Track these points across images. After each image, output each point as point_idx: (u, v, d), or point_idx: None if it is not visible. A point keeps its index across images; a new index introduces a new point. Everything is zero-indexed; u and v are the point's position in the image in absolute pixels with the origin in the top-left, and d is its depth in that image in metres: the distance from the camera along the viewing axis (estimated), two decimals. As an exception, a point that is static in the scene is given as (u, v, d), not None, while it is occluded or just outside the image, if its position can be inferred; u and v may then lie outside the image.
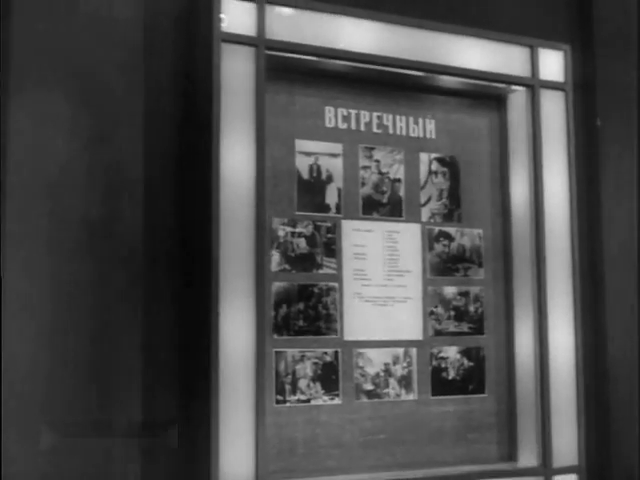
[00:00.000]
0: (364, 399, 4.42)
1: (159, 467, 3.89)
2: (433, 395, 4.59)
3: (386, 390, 4.45)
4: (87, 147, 3.74)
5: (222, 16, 3.95)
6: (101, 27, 3.82)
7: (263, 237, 3.97)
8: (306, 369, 4.28)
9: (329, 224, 4.38)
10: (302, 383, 4.27)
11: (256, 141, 4.02)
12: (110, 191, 3.78)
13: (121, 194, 3.80)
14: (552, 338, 4.56)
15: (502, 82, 4.68)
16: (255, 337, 3.96)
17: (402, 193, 4.60)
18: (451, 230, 4.69)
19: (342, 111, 4.52)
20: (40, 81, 3.66)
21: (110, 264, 3.75)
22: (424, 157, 4.69)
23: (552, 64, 4.76)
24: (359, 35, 4.35)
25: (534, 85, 4.73)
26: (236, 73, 4.01)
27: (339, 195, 4.43)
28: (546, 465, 4.51)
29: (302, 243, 4.31)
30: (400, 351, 4.51)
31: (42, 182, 3.62)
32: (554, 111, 4.76)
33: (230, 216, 3.93)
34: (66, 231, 3.68)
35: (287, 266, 4.27)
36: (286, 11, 4.17)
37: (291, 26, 4.18)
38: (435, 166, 4.69)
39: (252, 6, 4.12)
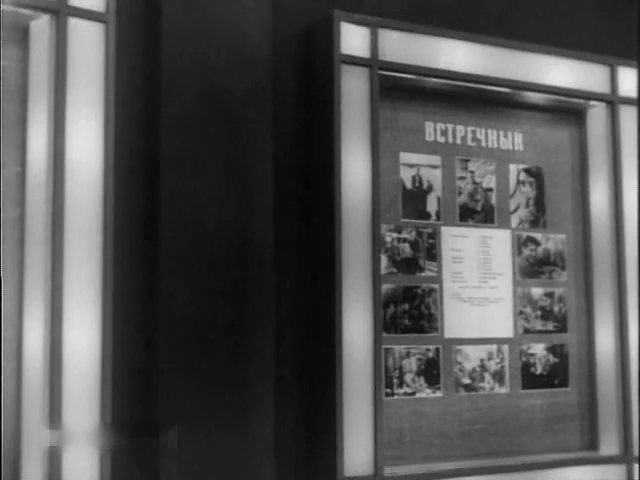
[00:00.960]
0: (462, 392, 4.75)
1: (288, 454, 4.20)
2: (523, 389, 4.90)
3: (481, 384, 4.78)
4: (224, 162, 4.05)
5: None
6: (231, 51, 4.24)
7: (379, 243, 4.31)
8: (411, 364, 4.62)
9: (430, 230, 4.72)
10: (408, 377, 4.60)
11: (371, 155, 4.35)
12: (243, 204, 4.10)
13: (253, 206, 4.12)
14: (631, 335, 4.87)
15: (583, 98, 4.99)
16: (372, 334, 4.27)
17: (494, 201, 4.93)
18: (537, 235, 5.02)
19: (440, 126, 4.85)
20: (181, 99, 3.98)
21: (245, 270, 4.09)
22: (513, 168, 5.01)
23: (629, 81, 5.05)
24: (456, 55, 4.69)
25: (614, 101, 5.05)
26: (353, 92, 4.34)
27: (438, 203, 4.77)
28: (627, 453, 4.84)
29: (406, 248, 4.65)
30: (494, 348, 4.84)
31: (189, 195, 3.92)
32: (630, 125, 5.05)
33: (349, 224, 4.25)
34: (210, 243, 4.00)
35: (394, 269, 4.60)
36: (395, 34, 4.46)
37: (399, 48, 4.51)
38: (523, 176, 5.03)
39: (366, 30, 4.41)
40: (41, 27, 3.74)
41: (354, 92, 4.36)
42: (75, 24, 3.73)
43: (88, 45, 3.74)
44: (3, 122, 3.61)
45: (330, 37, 4.35)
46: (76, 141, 3.69)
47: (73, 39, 3.70)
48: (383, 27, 4.47)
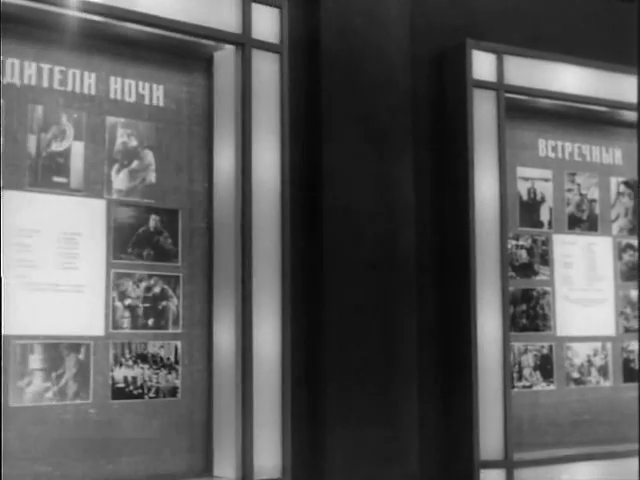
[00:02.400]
0: (572, 385, 5.17)
1: (430, 441, 4.62)
2: (624, 382, 5.32)
3: (589, 378, 5.20)
4: (373, 177, 4.48)
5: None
6: (377, 76, 4.66)
7: (506, 248, 4.72)
8: (528, 360, 5.04)
9: (543, 238, 5.13)
10: (526, 372, 5.02)
11: (499, 170, 4.77)
12: (389, 215, 4.53)
13: (398, 217, 4.55)
14: None
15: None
16: (502, 332, 4.69)
17: (597, 211, 5.34)
18: (636, 242, 5.43)
19: (551, 143, 5.26)
20: (338, 121, 4.41)
21: (389, 272, 4.51)
22: (613, 181, 5.42)
23: None
24: (566, 78, 5.09)
25: None
26: (482, 113, 4.76)
27: (550, 213, 5.19)
28: None
29: (523, 254, 5.07)
30: (599, 345, 5.26)
31: (346, 206, 4.35)
32: None
33: (481, 232, 4.67)
34: (364, 250, 4.43)
35: (512, 273, 5.01)
36: (517, 60, 4.89)
37: (519, 72, 4.94)
38: (622, 188, 5.44)
39: (493, 56, 4.83)
40: (225, 57, 4.09)
41: (483, 113, 4.75)
42: (256, 54, 4.10)
43: (266, 73, 4.12)
44: (192, 143, 4.14)
45: (462, 63, 4.73)
46: (260, 159, 4.02)
47: (254, 68, 4.02)
48: (508, 54, 4.82)
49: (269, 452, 3.95)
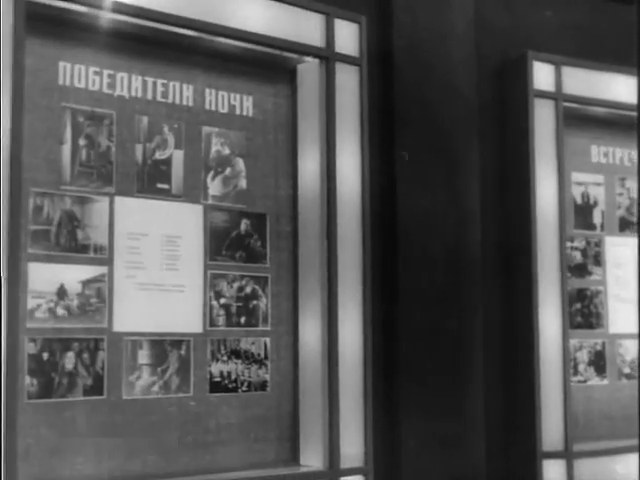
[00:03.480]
0: (624, 380, 5.38)
1: (495, 432, 4.84)
2: (670, 376, 5.53)
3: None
4: (443, 180, 4.71)
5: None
6: (444, 87, 4.90)
7: (564, 249, 4.99)
8: (583, 356, 5.25)
9: (596, 240, 5.35)
10: (581, 367, 5.23)
11: (558, 176, 4.99)
12: (458, 216, 4.76)
13: (465, 218, 4.77)
14: None
15: None
16: (561, 328, 4.91)
17: (644, 214, 5.56)
18: (682, 244, 5.64)
19: (603, 149, 5.48)
20: (410, 129, 4.65)
21: (458, 273, 4.74)
22: (660, 183, 5.64)
23: None
24: (618, 87, 5.31)
25: None
26: (542, 121, 4.98)
27: (602, 216, 5.40)
28: None
29: (578, 255, 5.29)
30: (647, 341, 5.47)
31: (419, 208, 4.58)
32: None
33: (542, 233, 4.89)
34: (436, 248, 4.66)
35: (568, 274, 5.23)
36: (574, 70, 5.11)
37: (575, 82, 5.16)
38: (669, 192, 5.65)
39: (552, 67, 5.05)
40: (308, 69, 4.31)
41: (543, 121, 4.97)
42: (337, 67, 4.36)
43: (347, 85, 4.34)
44: (278, 151, 4.38)
45: (524, 74, 4.95)
46: (342, 166, 4.24)
47: (337, 80, 4.24)
48: (566, 64, 5.05)
49: (353, 441, 4.15)
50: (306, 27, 4.21)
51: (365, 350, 4.19)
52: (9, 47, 3.28)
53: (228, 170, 4.04)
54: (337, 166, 4.20)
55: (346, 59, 4.28)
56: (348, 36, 4.33)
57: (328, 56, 4.20)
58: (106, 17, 3.63)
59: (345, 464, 4.08)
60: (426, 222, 4.55)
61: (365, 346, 4.19)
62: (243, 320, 4.02)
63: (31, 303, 3.35)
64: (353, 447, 4.13)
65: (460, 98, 4.77)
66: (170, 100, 3.92)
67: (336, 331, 4.07)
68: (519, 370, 4.84)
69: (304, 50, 4.17)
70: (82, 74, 3.68)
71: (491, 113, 5.01)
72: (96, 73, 3.71)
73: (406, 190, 4.51)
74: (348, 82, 4.30)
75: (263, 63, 4.19)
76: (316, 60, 4.24)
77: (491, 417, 4.77)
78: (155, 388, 3.74)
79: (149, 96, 3.86)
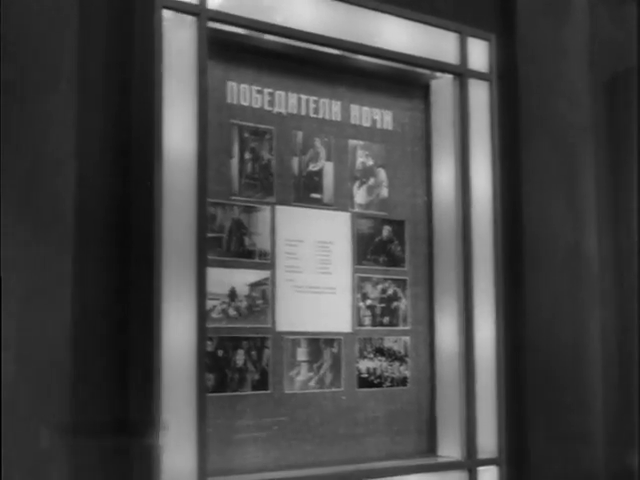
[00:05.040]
0: None
1: (613, 425, 4.98)
2: None
3: None
4: (563, 184, 4.86)
5: None
6: (564, 98, 5.08)
7: None
8: None
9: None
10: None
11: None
12: (575, 216, 4.90)
13: (582, 218, 4.92)
14: None
15: None
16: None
17: None
18: None
19: None
20: (534, 135, 4.92)
21: (578, 274, 4.89)
22: None
23: None
24: None
25: None
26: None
27: None
28: None
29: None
30: None
31: (546, 218, 4.84)
32: None
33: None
34: (557, 253, 4.80)
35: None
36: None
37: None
38: None
39: (663, 79, 5.18)
40: (442, 84, 4.51)
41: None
42: (470, 82, 4.57)
43: (478, 100, 4.53)
44: (414, 162, 4.58)
45: (633, 85, 5.09)
46: (474, 175, 4.44)
47: (470, 95, 4.43)
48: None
49: (487, 434, 4.31)
50: (441, 45, 4.40)
51: (498, 347, 4.35)
52: (194, 70, 3.47)
53: (372, 180, 4.24)
54: (470, 175, 4.31)
55: (478, 75, 4.45)
56: (479, 53, 4.51)
57: (462, 72, 4.36)
58: (266, 39, 3.79)
59: (480, 455, 4.21)
60: (550, 227, 4.70)
61: (498, 343, 4.35)
62: (386, 320, 4.20)
63: (208, 305, 3.53)
64: (487, 439, 4.28)
65: (579, 110, 4.90)
66: (320, 115, 4.10)
67: (472, 329, 4.26)
68: (633, 369, 4.94)
69: (440, 67, 4.36)
70: (247, 93, 3.88)
71: (605, 123, 5.11)
72: (258, 92, 3.91)
73: (530, 198, 4.65)
74: (479, 96, 4.48)
75: (401, 79, 4.38)
76: (449, 76, 4.39)
77: (609, 413, 4.88)
78: (312, 383, 3.93)
79: (303, 112, 4.05)
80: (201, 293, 3.42)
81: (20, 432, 3.07)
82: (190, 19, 3.53)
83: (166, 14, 3.47)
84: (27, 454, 3.10)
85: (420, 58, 4.29)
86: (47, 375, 3.12)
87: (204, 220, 3.43)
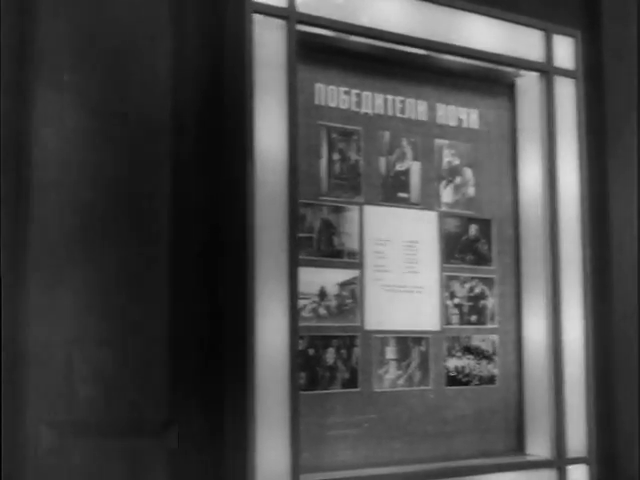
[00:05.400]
0: None
1: None
2: None
3: None
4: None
5: None
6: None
7: None
8: None
9: None
10: None
11: None
12: None
13: None
14: None
15: None
16: None
17: None
18: None
19: None
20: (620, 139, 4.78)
21: None
22: None
23: None
24: None
25: None
26: None
27: None
28: None
29: None
30: None
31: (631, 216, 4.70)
32: None
33: None
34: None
35: None
36: None
37: None
38: None
39: None
40: (527, 82, 4.46)
41: None
42: (556, 80, 4.52)
43: (564, 97, 4.47)
44: (500, 161, 4.58)
45: None
46: (562, 173, 4.37)
47: (556, 92, 4.37)
48: None
49: (576, 432, 4.26)
50: (526, 43, 4.36)
51: (587, 345, 4.31)
52: (284, 73, 3.50)
53: (458, 179, 4.22)
54: (557, 173, 4.26)
55: (563, 72, 4.41)
56: (564, 50, 4.46)
57: (548, 70, 4.31)
58: (353, 40, 3.80)
59: (570, 454, 4.16)
60: (636, 224, 4.61)
61: (587, 341, 4.30)
62: (473, 318, 4.17)
63: (299, 304, 3.55)
64: (576, 438, 4.24)
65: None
66: (407, 115, 4.10)
67: (560, 327, 4.22)
68: None
69: (525, 65, 4.32)
70: (334, 94, 3.88)
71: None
72: (345, 93, 3.92)
73: (618, 194, 4.58)
74: (565, 94, 4.42)
75: (486, 78, 4.35)
76: (534, 74, 4.35)
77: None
78: (400, 381, 3.93)
79: (389, 112, 4.04)
80: (293, 293, 3.43)
81: (118, 429, 3.08)
82: (279, 22, 3.51)
83: (256, 18, 3.43)
84: (126, 451, 3.10)
85: (505, 56, 4.24)
86: (145, 374, 3.13)
87: (295, 220, 3.45)
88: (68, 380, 3.01)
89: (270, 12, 3.50)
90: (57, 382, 3.03)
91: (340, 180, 3.85)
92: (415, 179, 4.10)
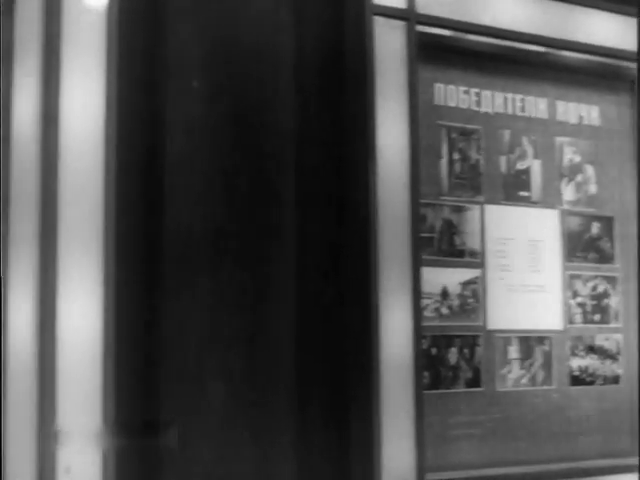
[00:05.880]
0: None
1: None
2: None
3: None
4: None
5: None
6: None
7: None
8: None
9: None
10: None
11: None
12: None
13: None
14: None
15: None
16: None
17: None
18: None
19: None
20: None
21: None
22: None
23: None
24: None
25: None
26: None
27: None
28: None
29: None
30: None
31: None
32: None
33: None
34: None
35: None
36: None
37: None
38: None
39: None
40: (649, 78, 4.30)
41: None
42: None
43: None
44: (621, 157, 4.44)
45: None
46: None
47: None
48: None
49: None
50: (647, 36, 4.20)
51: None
52: (404, 74, 3.48)
53: (579, 177, 4.13)
54: None
55: (684, 66, 4.23)
56: (689, 42, 4.27)
57: None
58: (472, 39, 3.75)
59: (697, 457, 4.03)
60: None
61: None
62: (597, 317, 4.07)
63: (422, 303, 3.52)
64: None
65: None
66: (527, 114, 4.02)
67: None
68: None
69: (646, 60, 4.16)
70: (453, 94, 3.84)
71: None
72: (465, 92, 3.87)
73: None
74: None
75: (606, 74, 4.24)
76: (655, 68, 4.21)
77: None
78: (524, 381, 3.85)
79: (509, 111, 3.98)
80: (416, 292, 3.41)
81: (247, 426, 3.11)
82: (399, 23, 3.49)
83: (376, 20, 3.43)
84: (255, 448, 3.13)
85: (626, 51, 4.15)
86: (272, 374, 3.15)
87: (417, 220, 3.44)
88: (198, 379, 3.01)
89: (390, 14, 3.50)
90: (188, 380, 3.03)
91: (461, 180, 3.82)
92: (536, 177, 4.04)
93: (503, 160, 3.93)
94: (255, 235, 3.12)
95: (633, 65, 4.24)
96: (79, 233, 2.88)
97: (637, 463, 3.87)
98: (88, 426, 2.85)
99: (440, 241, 3.72)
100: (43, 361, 2.81)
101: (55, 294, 2.84)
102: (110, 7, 2.95)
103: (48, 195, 2.86)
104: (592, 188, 4.16)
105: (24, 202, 2.96)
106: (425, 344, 3.62)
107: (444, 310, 3.69)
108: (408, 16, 3.52)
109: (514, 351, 3.85)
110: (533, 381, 3.90)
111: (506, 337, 3.84)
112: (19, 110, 2.98)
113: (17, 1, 2.99)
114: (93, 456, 2.82)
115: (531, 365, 3.88)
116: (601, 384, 4.09)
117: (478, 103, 3.92)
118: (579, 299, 4.06)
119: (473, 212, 3.81)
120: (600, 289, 4.12)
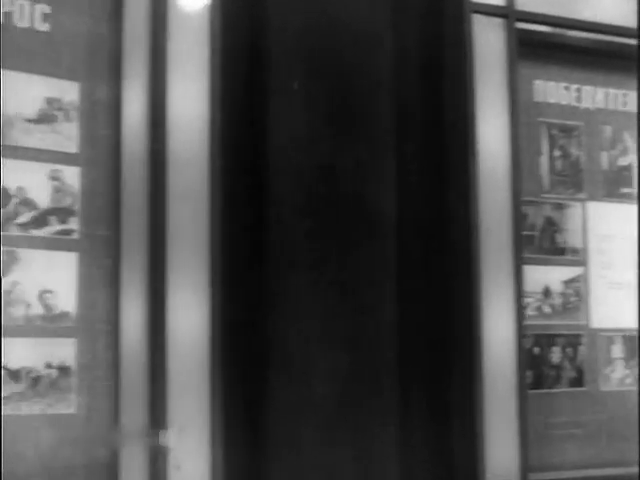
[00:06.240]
0: None
1: None
2: None
3: None
4: None
5: None
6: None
7: None
8: None
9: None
10: None
11: None
12: None
13: None
14: None
15: None
16: None
17: None
18: None
19: None
20: None
21: None
22: None
23: None
24: None
25: None
26: None
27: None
28: None
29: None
30: None
31: None
32: None
33: None
34: None
35: None
36: None
37: None
38: None
39: None
40: None
41: None
42: None
43: None
44: None
45: None
46: None
47: None
48: None
49: None
50: None
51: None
52: (504, 71, 3.43)
53: (683, 172, 4.01)
54: None
55: None
56: None
57: None
58: (572, 35, 3.68)
59: None
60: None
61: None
62: None
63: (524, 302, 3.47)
64: None
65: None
66: (629, 109, 3.93)
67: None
68: None
69: None
70: (553, 90, 3.77)
71: None
72: (565, 88, 3.80)
73: None
74: None
75: None
76: None
77: None
78: (628, 381, 3.76)
79: (610, 106, 3.89)
80: (519, 291, 3.37)
81: (350, 424, 3.10)
82: (498, 21, 3.45)
83: (476, 18, 3.39)
84: (358, 447, 3.12)
85: None
86: (375, 373, 3.15)
87: (519, 218, 3.39)
88: (307, 378, 3.02)
89: (489, 11, 3.46)
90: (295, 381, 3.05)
91: (562, 177, 3.76)
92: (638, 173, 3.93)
93: (604, 156, 3.86)
94: (357, 237, 3.11)
95: None
96: (186, 234, 2.90)
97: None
98: (198, 424, 2.84)
99: (541, 239, 3.67)
100: (154, 361, 2.77)
101: (164, 294, 2.85)
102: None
103: (157, 198, 2.89)
104: None
105: (133, 204, 2.99)
106: (527, 343, 3.55)
107: (546, 309, 3.63)
108: (507, 13, 3.47)
109: (618, 350, 3.77)
110: (638, 381, 3.79)
111: (610, 336, 3.77)
112: (127, 114, 3.01)
113: (125, 7, 3.02)
114: (202, 453, 2.79)
115: (636, 365, 3.78)
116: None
117: (578, 99, 3.85)
118: (683, 296, 3.94)
119: (574, 209, 3.75)
120: None
